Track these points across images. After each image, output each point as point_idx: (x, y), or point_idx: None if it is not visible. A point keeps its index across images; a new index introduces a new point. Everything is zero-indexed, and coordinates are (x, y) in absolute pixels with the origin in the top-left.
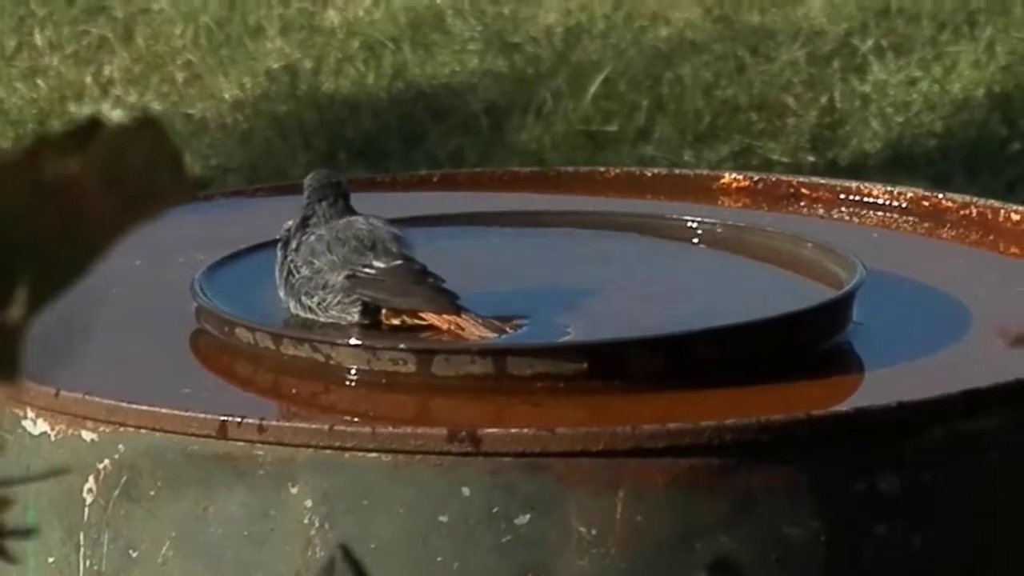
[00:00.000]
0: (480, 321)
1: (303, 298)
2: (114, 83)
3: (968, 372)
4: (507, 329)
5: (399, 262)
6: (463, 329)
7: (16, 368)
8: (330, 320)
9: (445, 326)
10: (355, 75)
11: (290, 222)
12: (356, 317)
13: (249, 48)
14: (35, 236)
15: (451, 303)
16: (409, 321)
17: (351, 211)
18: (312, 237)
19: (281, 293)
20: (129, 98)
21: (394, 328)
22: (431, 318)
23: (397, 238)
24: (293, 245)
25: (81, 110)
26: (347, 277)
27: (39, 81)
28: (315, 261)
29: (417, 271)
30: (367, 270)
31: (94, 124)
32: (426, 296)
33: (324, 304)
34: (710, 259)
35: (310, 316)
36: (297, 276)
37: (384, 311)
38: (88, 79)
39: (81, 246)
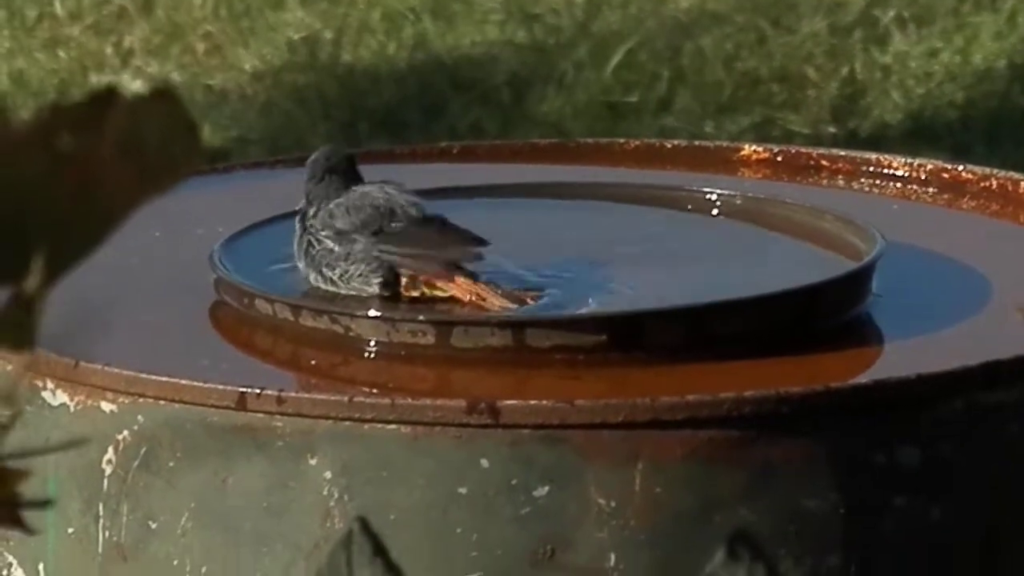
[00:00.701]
0: (501, 292)
1: (324, 270)
2: (134, 54)
3: (988, 344)
4: (528, 300)
5: (424, 217)
6: (484, 300)
7: (32, 339)
8: (351, 292)
9: (466, 297)
10: (376, 46)
11: (305, 197)
12: (377, 288)
13: (269, 19)
14: (50, 206)
15: (482, 247)
16: (429, 292)
17: (361, 182)
18: (331, 205)
19: (300, 265)
20: (149, 69)
21: (414, 299)
22: (453, 289)
23: (415, 204)
24: (312, 213)
25: (102, 81)
26: (373, 233)
27: (60, 52)
28: (336, 223)
29: (441, 222)
30: (393, 225)
31: (109, 94)
32: (458, 242)
33: (346, 276)
34: (730, 231)
35: (331, 288)
36: (317, 248)
37: (404, 281)
38: (109, 50)
39: (96, 217)
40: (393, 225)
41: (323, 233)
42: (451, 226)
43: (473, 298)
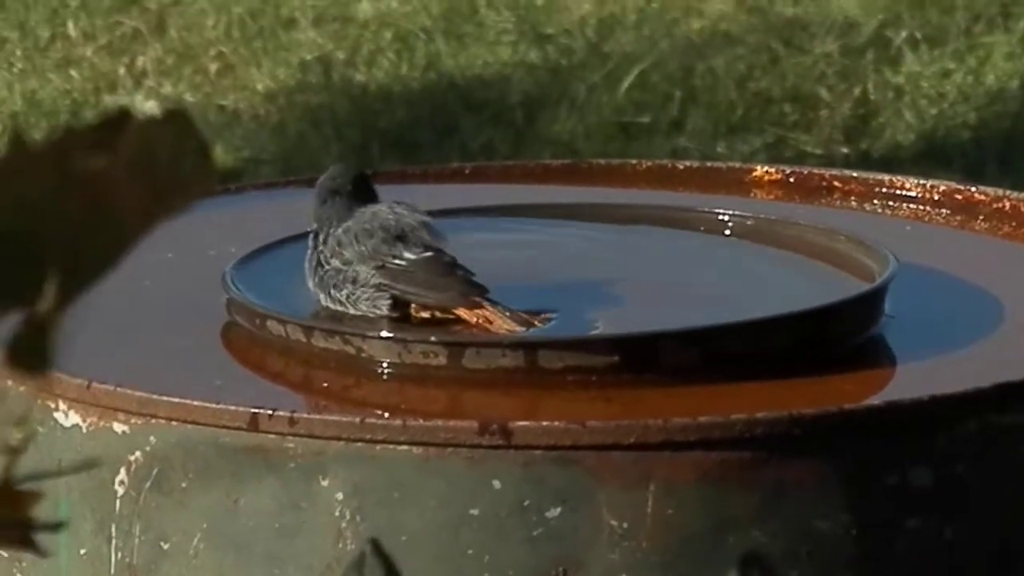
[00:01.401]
0: (508, 314)
1: (332, 291)
2: (147, 74)
3: (1001, 365)
4: (535, 323)
5: (429, 253)
6: (491, 323)
7: (47, 362)
8: (359, 313)
9: (473, 319)
10: (388, 66)
11: (316, 218)
12: (385, 310)
13: (282, 39)
14: (64, 228)
15: (480, 296)
16: (439, 314)
17: (376, 200)
18: (339, 230)
19: (311, 285)
20: (162, 89)
21: (424, 321)
22: (460, 311)
23: (426, 226)
24: (322, 237)
25: (114, 101)
26: (376, 268)
27: (73, 72)
28: (344, 253)
29: (446, 263)
30: (396, 261)
31: (122, 116)
32: (456, 289)
33: (353, 297)
34: (742, 252)
35: (340, 308)
36: (326, 268)
37: (413, 304)
38: (121, 70)
39: (110, 239)
40: (396, 262)
41: (332, 262)
42: (456, 270)
43: (481, 320)
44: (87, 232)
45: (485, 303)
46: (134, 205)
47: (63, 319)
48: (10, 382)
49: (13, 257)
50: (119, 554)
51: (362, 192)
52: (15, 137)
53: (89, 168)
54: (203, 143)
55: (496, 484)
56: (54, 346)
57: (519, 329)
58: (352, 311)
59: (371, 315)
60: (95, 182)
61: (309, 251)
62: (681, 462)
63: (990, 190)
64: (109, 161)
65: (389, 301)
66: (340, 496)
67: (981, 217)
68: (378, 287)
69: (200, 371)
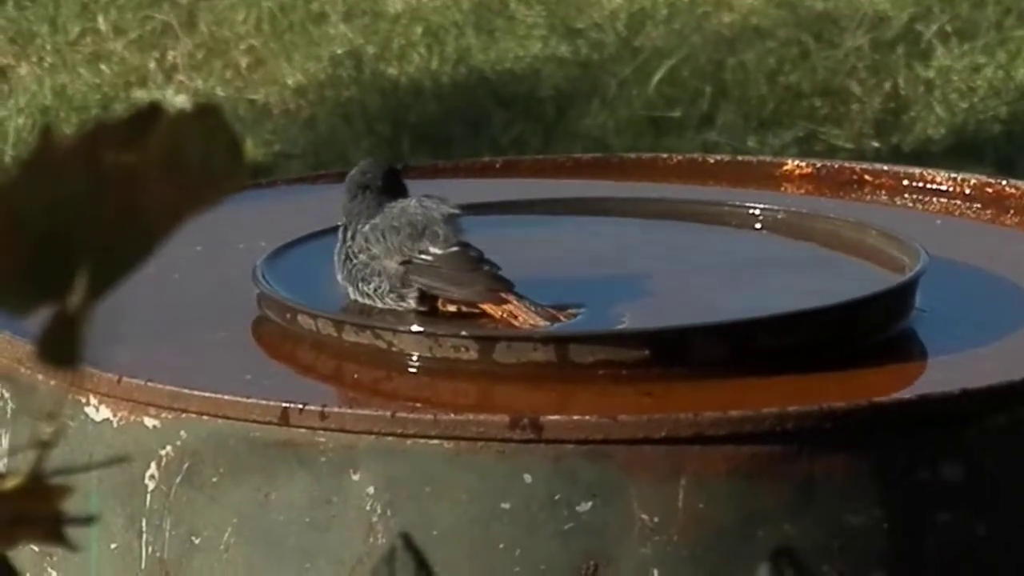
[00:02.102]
0: (534, 309)
1: (360, 284)
2: (178, 68)
3: None
4: (560, 317)
5: (455, 248)
6: (516, 317)
7: (76, 356)
8: (387, 307)
9: (499, 314)
10: (419, 61)
11: (346, 212)
12: (413, 304)
13: (312, 34)
14: (94, 223)
15: (506, 291)
16: (465, 308)
17: (405, 195)
18: (368, 225)
19: (340, 278)
20: (193, 84)
21: (451, 315)
22: (486, 306)
23: (453, 220)
24: (351, 232)
25: (144, 96)
26: (402, 263)
27: (103, 66)
28: (372, 248)
29: (473, 258)
30: (423, 256)
31: (153, 111)
32: (481, 284)
33: (380, 291)
34: (773, 246)
35: (368, 302)
36: (355, 262)
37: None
38: (152, 64)
39: (140, 233)
40: (423, 257)
41: (360, 256)
42: (482, 264)
43: (505, 315)
44: (117, 227)
45: (511, 298)
46: (164, 200)
47: (93, 314)
48: (41, 377)
49: (44, 252)
50: (150, 548)
51: (391, 187)
52: (45, 132)
53: (119, 163)
54: (234, 138)
55: (527, 478)
56: (84, 341)
57: (544, 324)
58: (380, 305)
59: (398, 309)
60: (125, 177)
61: (338, 245)
62: (712, 456)
63: (1021, 184)
64: (140, 156)
65: (416, 295)
66: (371, 490)
67: (1012, 211)
68: (405, 281)
69: (231, 365)
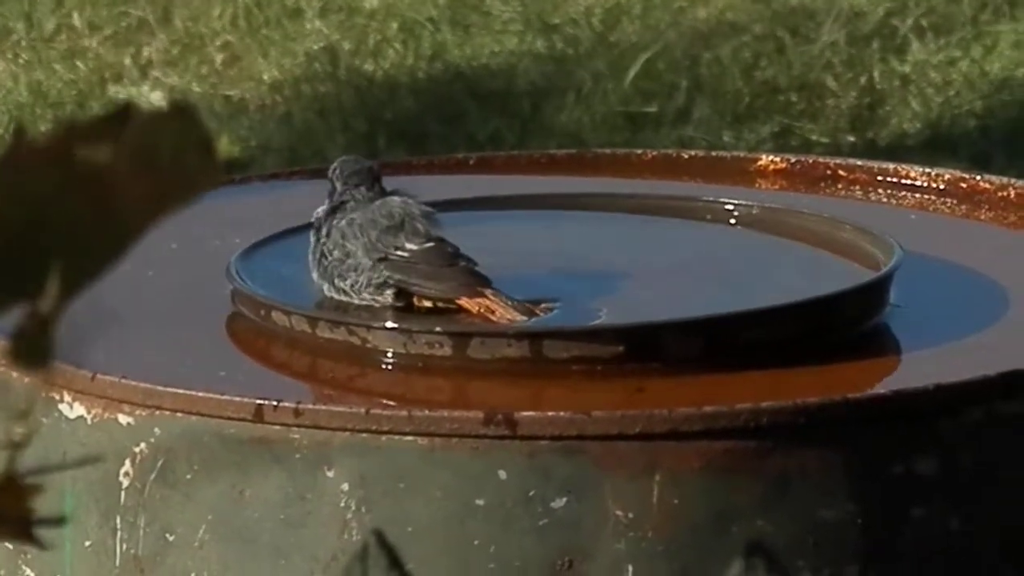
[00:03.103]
0: (511, 304)
1: (336, 280)
2: (153, 65)
3: (1006, 354)
4: (537, 312)
5: (430, 244)
6: (493, 312)
7: (48, 356)
8: (363, 303)
9: (475, 309)
10: (394, 56)
11: (322, 208)
12: (389, 299)
13: (288, 29)
14: (67, 222)
15: (483, 286)
16: (441, 304)
17: (384, 193)
18: (343, 221)
19: (315, 276)
20: (168, 80)
21: (427, 311)
22: (462, 301)
23: (429, 217)
24: (325, 230)
25: (120, 92)
26: (379, 260)
27: (78, 63)
28: (347, 244)
29: (449, 253)
30: (399, 252)
31: (126, 110)
32: (458, 280)
33: (357, 286)
34: (747, 241)
35: (344, 299)
36: (329, 259)
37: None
38: (127, 61)
39: (113, 232)
40: (398, 253)
41: (335, 253)
42: (458, 260)
43: (483, 310)
44: (90, 226)
45: (487, 293)
46: (138, 199)
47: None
48: (15, 375)
49: (16, 250)
50: (124, 546)
51: (367, 184)
52: (18, 131)
53: (93, 162)
54: (207, 137)
55: (502, 474)
56: (56, 339)
57: (521, 319)
58: (356, 300)
59: (374, 305)
60: (98, 176)
61: (312, 242)
62: (686, 452)
63: (995, 179)
64: (112, 156)
65: (392, 291)
66: (345, 487)
67: (986, 206)
68: (380, 277)
69: (205, 362)
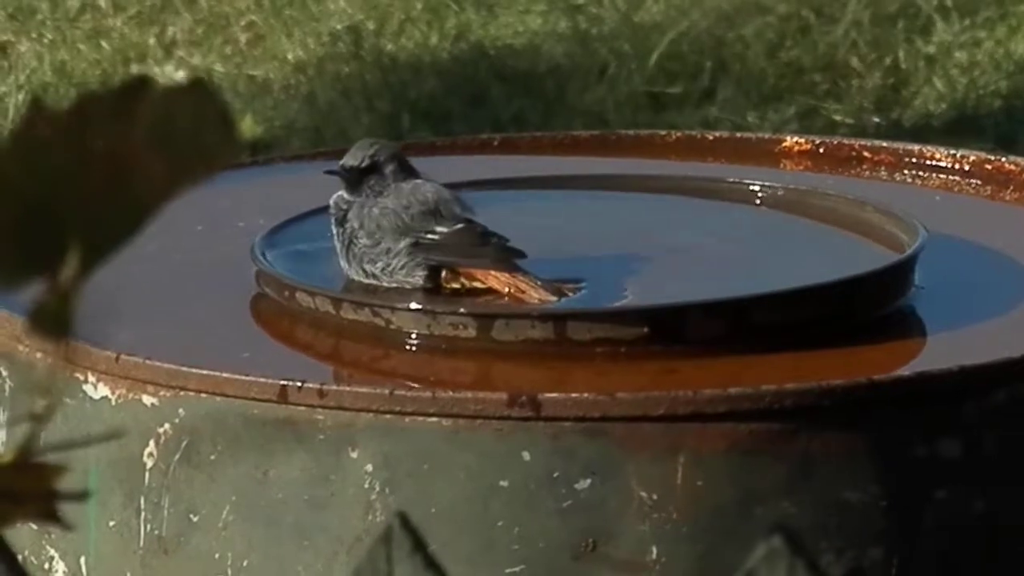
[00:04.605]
0: (540, 284)
1: (366, 265)
2: (177, 44)
3: None
4: (567, 292)
5: (460, 225)
6: (523, 292)
7: (67, 330)
8: (394, 284)
9: (506, 289)
10: (418, 36)
11: (343, 194)
12: (421, 281)
13: (312, 9)
14: (84, 196)
15: (517, 259)
16: (468, 284)
17: (415, 175)
18: (375, 207)
19: (342, 261)
20: (192, 60)
21: (454, 292)
22: (492, 281)
23: (458, 200)
24: (354, 212)
25: (145, 72)
26: (412, 244)
27: (103, 43)
28: (377, 228)
29: (480, 232)
30: (430, 236)
31: (141, 84)
32: (493, 256)
33: (389, 269)
34: (772, 223)
35: (372, 282)
36: (359, 244)
37: (444, 273)
38: (152, 40)
39: (130, 207)
40: (429, 237)
41: (363, 240)
42: (490, 236)
43: (512, 290)
44: (107, 200)
45: (517, 273)
46: (154, 174)
47: (84, 287)
48: (39, 354)
49: (34, 225)
50: (148, 526)
51: (399, 167)
52: (35, 105)
53: (108, 136)
54: (225, 112)
55: (525, 456)
56: (75, 314)
57: (551, 298)
58: (386, 283)
59: (406, 286)
60: (114, 150)
61: (336, 230)
62: (710, 434)
63: (1021, 160)
64: (128, 129)
65: (424, 272)
66: (369, 468)
67: (1012, 187)
68: (414, 260)
69: (229, 343)
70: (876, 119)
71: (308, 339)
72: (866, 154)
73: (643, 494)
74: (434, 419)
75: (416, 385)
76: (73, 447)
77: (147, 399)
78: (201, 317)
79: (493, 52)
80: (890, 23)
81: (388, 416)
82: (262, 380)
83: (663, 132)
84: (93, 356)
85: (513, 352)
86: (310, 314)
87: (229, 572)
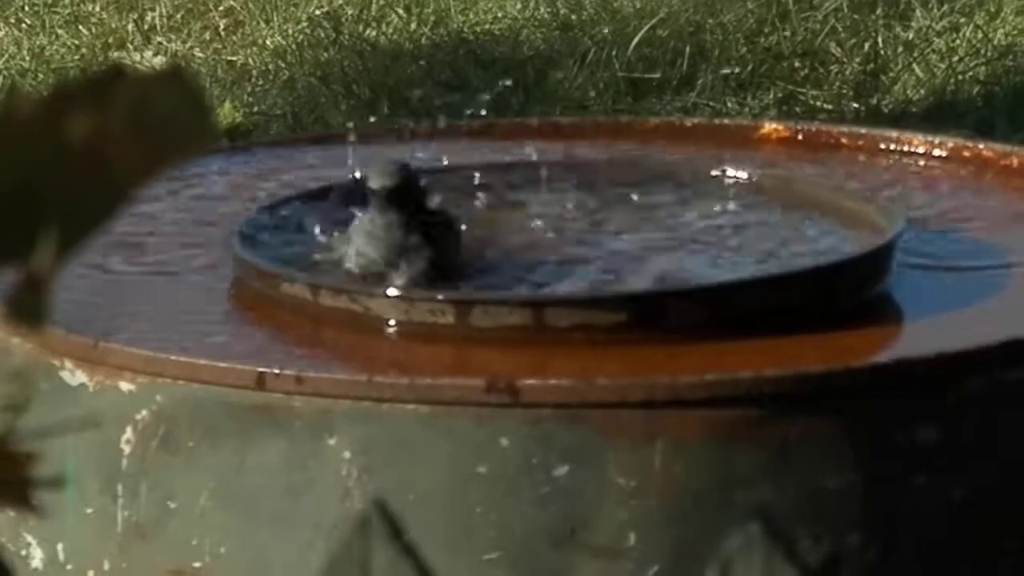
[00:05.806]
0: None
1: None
2: (156, 30)
3: (1008, 322)
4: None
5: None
6: None
7: (42, 317)
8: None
9: None
10: (397, 22)
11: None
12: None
13: None
14: (58, 183)
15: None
16: None
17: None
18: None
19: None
20: (171, 46)
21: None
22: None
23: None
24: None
25: (123, 58)
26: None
27: (81, 28)
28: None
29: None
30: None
31: (116, 72)
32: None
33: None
34: (750, 209)
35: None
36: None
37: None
38: (130, 26)
39: (104, 193)
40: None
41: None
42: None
43: None
44: (82, 186)
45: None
46: (129, 160)
47: (59, 273)
48: (16, 340)
49: (7, 212)
50: (125, 513)
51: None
52: (10, 92)
53: (83, 123)
54: (200, 97)
55: (504, 442)
56: (51, 300)
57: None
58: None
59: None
60: (89, 137)
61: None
62: (689, 420)
63: (997, 147)
64: (103, 116)
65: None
66: (347, 455)
67: (989, 173)
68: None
69: (207, 330)
70: (855, 105)
71: (286, 326)
72: (844, 140)
73: (621, 480)
74: (412, 406)
75: (394, 371)
76: (50, 434)
77: (124, 385)
78: (179, 304)
79: (472, 38)
80: (869, 9)
81: (366, 403)
82: (240, 367)
83: (642, 118)
84: (70, 342)
85: (491, 338)
86: (288, 301)
87: (207, 558)
